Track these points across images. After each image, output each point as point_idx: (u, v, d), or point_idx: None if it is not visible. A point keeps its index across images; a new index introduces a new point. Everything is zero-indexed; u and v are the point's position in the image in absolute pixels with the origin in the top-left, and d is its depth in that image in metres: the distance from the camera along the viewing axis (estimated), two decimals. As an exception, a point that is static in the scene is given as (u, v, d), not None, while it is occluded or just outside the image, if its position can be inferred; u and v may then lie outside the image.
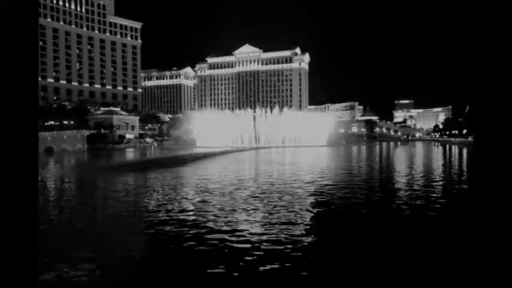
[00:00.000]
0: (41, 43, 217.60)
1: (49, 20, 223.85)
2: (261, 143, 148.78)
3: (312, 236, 15.07)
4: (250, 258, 12.26)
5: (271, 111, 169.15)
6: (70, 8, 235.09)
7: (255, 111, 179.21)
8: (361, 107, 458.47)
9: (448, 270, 11.48)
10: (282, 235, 14.97)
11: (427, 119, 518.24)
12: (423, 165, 50.94)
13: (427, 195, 24.89)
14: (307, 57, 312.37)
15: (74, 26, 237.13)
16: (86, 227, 17.41)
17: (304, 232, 15.58)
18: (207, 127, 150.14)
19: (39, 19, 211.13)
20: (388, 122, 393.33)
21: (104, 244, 14.42)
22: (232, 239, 14.55)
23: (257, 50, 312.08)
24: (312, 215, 19.24)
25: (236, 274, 11.00)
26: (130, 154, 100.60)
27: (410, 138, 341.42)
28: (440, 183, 32.50)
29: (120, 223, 18.03)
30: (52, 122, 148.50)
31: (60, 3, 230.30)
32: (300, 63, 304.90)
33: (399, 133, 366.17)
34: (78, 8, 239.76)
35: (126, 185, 32.63)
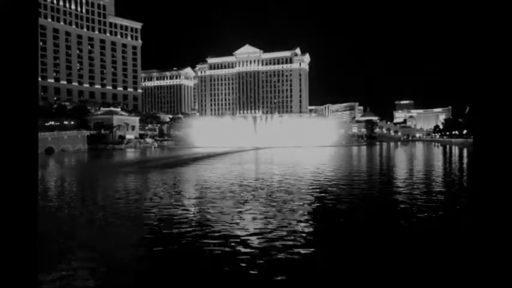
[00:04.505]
0: (41, 43, 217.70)
1: (49, 20, 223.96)
2: (260, 144, 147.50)
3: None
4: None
5: (271, 114, 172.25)
6: (70, 8, 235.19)
7: (256, 112, 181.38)
8: (361, 108, 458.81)
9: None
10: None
11: (428, 119, 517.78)
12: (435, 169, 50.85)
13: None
14: (307, 58, 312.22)
15: (74, 27, 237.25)
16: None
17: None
18: (207, 131, 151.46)
19: (40, 19, 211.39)
20: (389, 123, 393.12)
21: None
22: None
23: (257, 50, 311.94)
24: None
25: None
26: (134, 154, 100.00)
27: (410, 138, 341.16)
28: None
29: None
30: (52, 123, 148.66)
31: (61, 3, 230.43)
32: (300, 64, 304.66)
33: (399, 133, 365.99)
34: (79, 9, 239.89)
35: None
